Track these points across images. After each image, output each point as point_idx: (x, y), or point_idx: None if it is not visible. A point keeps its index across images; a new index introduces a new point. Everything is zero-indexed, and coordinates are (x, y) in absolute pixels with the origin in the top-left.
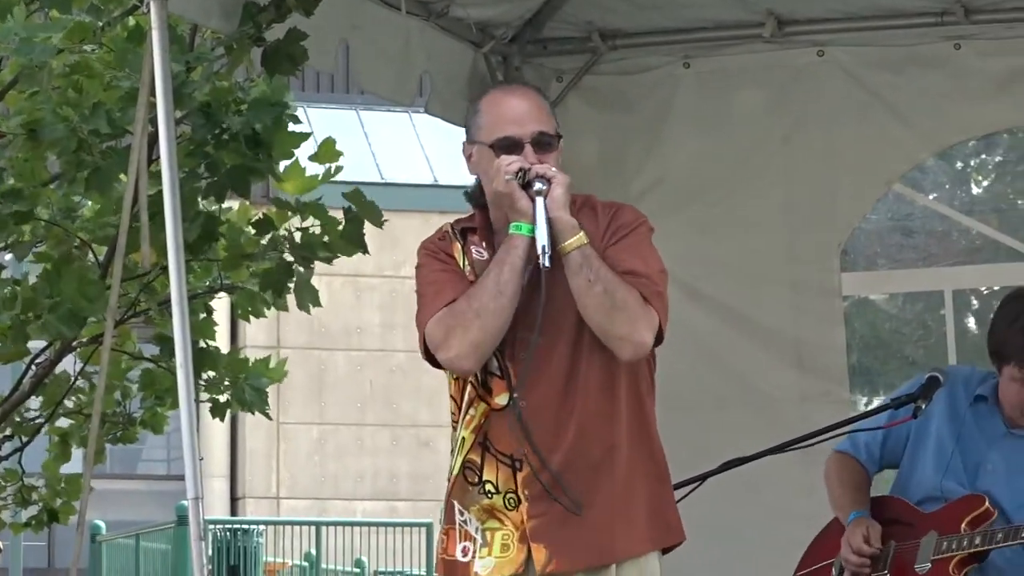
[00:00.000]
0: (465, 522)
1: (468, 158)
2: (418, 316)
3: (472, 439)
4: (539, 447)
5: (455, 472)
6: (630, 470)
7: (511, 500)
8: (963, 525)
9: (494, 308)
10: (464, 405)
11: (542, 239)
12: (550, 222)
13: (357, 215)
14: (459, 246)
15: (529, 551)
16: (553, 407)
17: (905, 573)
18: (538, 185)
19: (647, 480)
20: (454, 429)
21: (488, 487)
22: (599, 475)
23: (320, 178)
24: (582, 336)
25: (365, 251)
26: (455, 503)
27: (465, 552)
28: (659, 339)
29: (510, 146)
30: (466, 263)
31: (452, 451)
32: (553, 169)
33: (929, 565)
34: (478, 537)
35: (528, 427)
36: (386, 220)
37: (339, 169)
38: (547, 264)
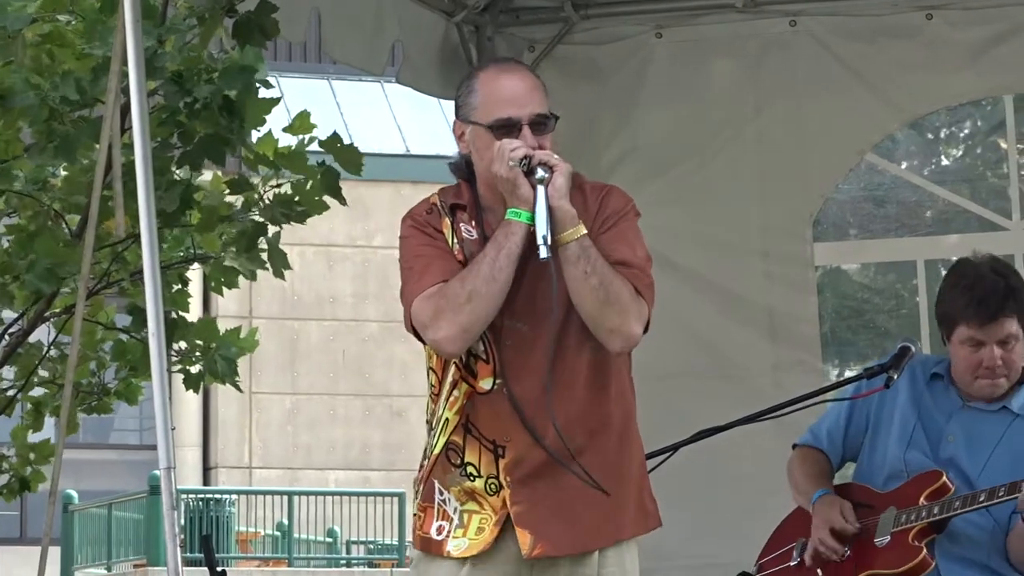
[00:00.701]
0: (445, 501)
1: (459, 136)
2: (404, 290)
3: (456, 420)
4: (523, 434)
5: (436, 451)
6: (614, 459)
7: (492, 485)
8: (921, 499)
9: (486, 293)
10: (448, 385)
11: (542, 228)
12: (550, 211)
13: (332, 168)
14: (448, 221)
15: (500, 535)
16: (537, 396)
17: (866, 549)
18: (540, 173)
19: (630, 468)
20: (433, 403)
21: (470, 470)
22: (588, 461)
23: (294, 149)
24: (569, 326)
25: (342, 202)
26: (436, 483)
27: (440, 531)
28: (645, 330)
29: (508, 128)
30: (454, 240)
31: (431, 429)
32: (556, 157)
33: (888, 538)
34: (455, 518)
35: (523, 411)
36: (363, 164)
37: (312, 140)
38: (547, 255)
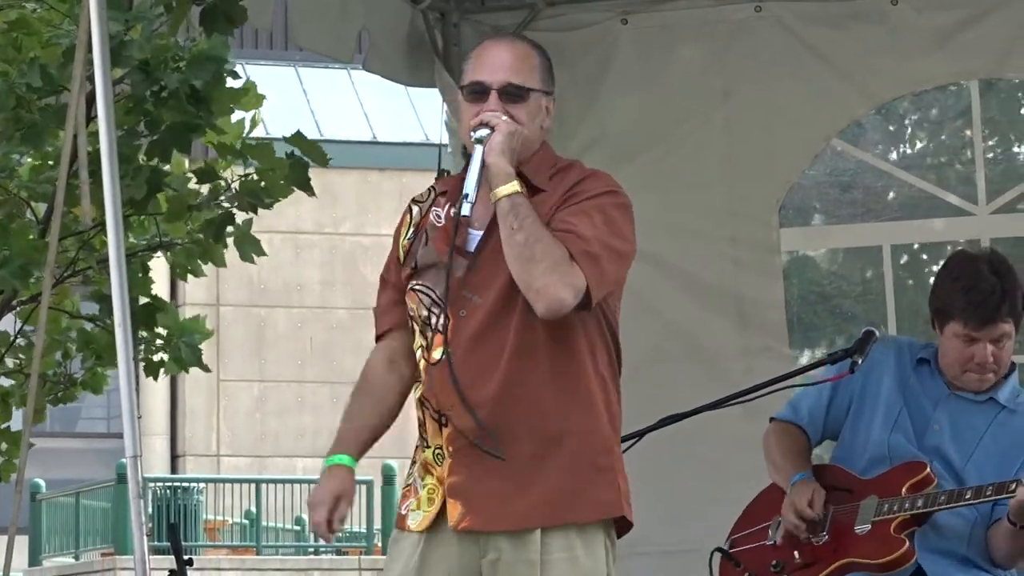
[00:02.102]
0: (415, 478)
1: (459, 105)
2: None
3: (414, 394)
4: (462, 404)
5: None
6: (559, 436)
7: (439, 456)
8: (903, 489)
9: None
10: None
11: (469, 186)
12: (485, 168)
13: (301, 159)
14: (415, 213)
15: (444, 507)
16: (479, 363)
17: (845, 535)
18: (480, 132)
19: (581, 450)
20: None
21: (425, 440)
22: (521, 438)
23: (248, 126)
24: (517, 297)
25: (311, 193)
26: (413, 458)
27: (407, 507)
28: (585, 304)
29: (478, 92)
30: (409, 232)
31: None
32: (503, 118)
33: (869, 526)
34: (421, 493)
35: (456, 375)
36: (330, 158)
37: (259, 121)
38: (466, 212)
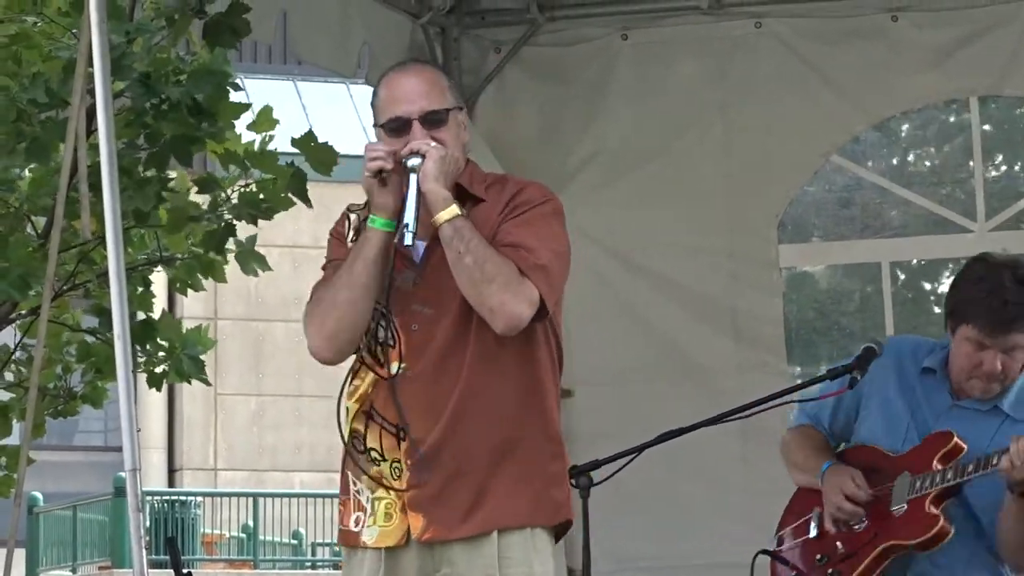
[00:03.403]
0: (359, 492)
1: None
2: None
3: (356, 408)
4: (420, 417)
5: (345, 442)
6: (515, 444)
7: (396, 469)
8: (935, 462)
9: (344, 300)
10: (349, 375)
11: (408, 215)
12: (421, 196)
13: (300, 170)
14: (353, 220)
15: (402, 521)
16: (434, 377)
17: (883, 517)
18: (412, 161)
19: (535, 456)
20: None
21: (373, 454)
22: (480, 447)
23: (257, 146)
24: (470, 310)
25: (308, 204)
26: (348, 473)
27: (358, 522)
28: (542, 313)
29: (399, 127)
30: (351, 236)
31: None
32: (431, 144)
33: (905, 506)
34: (368, 507)
35: (399, 399)
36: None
37: (271, 137)
38: (408, 242)
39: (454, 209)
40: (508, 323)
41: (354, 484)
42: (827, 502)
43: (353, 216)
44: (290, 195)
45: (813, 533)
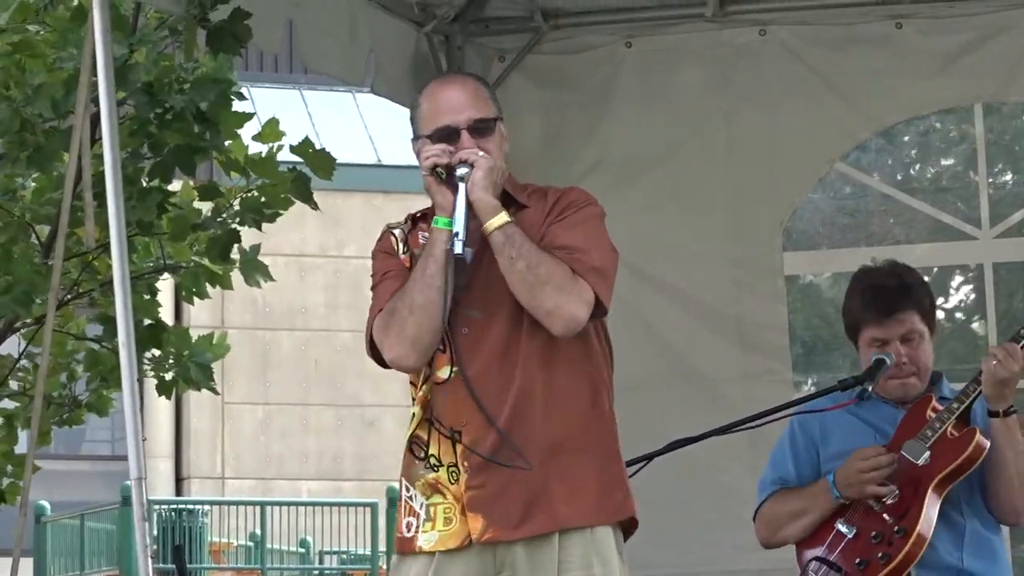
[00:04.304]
0: (411, 498)
1: (417, 153)
2: (368, 322)
3: (420, 415)
4: (477, 420)
5: (405, 447)
6: (573, 444)
7: (453, 473)
8: (928, 417)
9: (423, 302)
10: (420, 381)
11: (458, 224)
12: (471, 205)
13: (303, 173)
14: (400, 234)
15: (461, 524)
16: (491, 380)
17: (914, 474)
18: (461, 170)
19: (593, 455)
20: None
21: (432, 460)
22: (541, 447)
23: (264, 157)
24: (522, 312)
25: (314, 206)
26: (403, 479)
27: (409, 527)
28: (599, 312)
29: (447, 135)
30: (403, 249)
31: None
32: (479, 153)
33: (928, 452)
34: (422, 512)
35: (476, 392)
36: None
37: (280, 148)
38: (459, 251)
39: (504, 216)
40: (566, 325)
41: (407, 490)
42: (863, 480)
43: (398, 231)
44: (291, 196)
45: (851, 533)
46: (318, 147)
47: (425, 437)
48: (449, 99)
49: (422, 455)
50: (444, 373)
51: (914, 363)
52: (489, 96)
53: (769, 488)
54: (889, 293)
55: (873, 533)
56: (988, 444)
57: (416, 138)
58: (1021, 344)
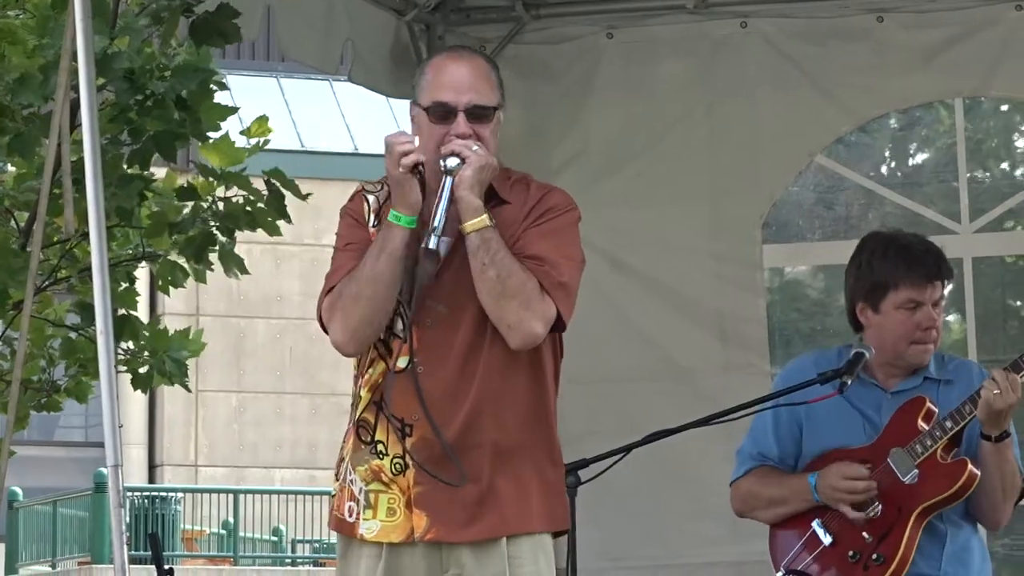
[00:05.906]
0: (352, 482)
1: (412, 119)
2: (320, 294)
3: (368, 397)
4: (433, 416)
5: (349, 428)
6: (524, 451)
7: (398, 465)
8: (919, 425)
9: (370, 295)
10: (366, 363)
11: (438, 218)
12: (454, 201)
13: (278, 190)
14: (373, 200)
15: (405, 518)
16: (451, 379)
17: (898, 490)
18: (451, 162)
19: (541, 463)
20: (354, 383)
21: (380, 447)
22: (491, 451)
23: (248, 152)
24: (487, 316)
25: (288, 220)
26: (346, 459)
27: (351, 512)
28: (558, 327)
29: (443, 114)
30: (372, 220)
31: (351, 407)
32: (474, 148)
33: (916, 471)
34: (361, 498)
35: (422, 394)
36: (310, 194)
37: (267, 142)
38: (432, 246)
39: (484, 220)
40: (523, 340)
41: (349, 472)
42: (836, 498)
43: (371, 198)
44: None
45: (828, 540)
46: (295, 136)
47: (372, 421)
48: (453, 76)
49: (368, 439)
50: (403, 363)
51: (938, 331)
52: (496, 81)
53: (748, 462)
54: (931, 258)
55: (851, 552)
56: (979, 475)
57: (414, 104)
58: (1021, 374)
